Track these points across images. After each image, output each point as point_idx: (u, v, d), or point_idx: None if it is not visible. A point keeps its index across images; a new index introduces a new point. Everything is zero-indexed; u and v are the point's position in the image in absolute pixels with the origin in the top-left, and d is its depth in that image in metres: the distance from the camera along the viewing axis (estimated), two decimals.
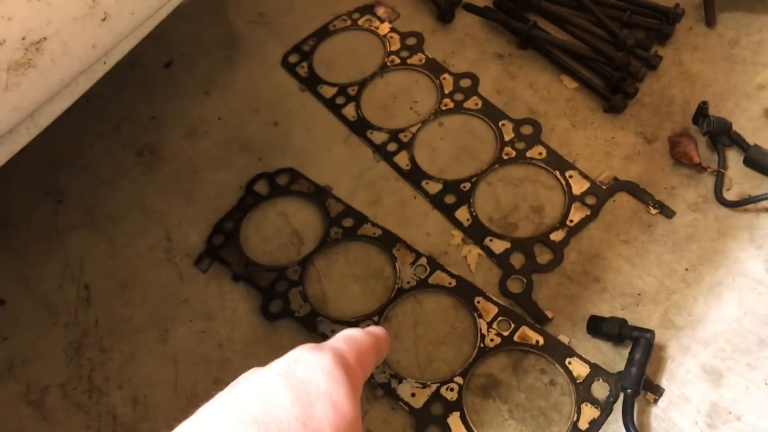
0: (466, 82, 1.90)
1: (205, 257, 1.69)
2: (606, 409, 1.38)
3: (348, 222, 1.70)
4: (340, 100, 1.92)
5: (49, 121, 1.25)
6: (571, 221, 1.62)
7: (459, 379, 1.45)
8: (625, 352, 1.41)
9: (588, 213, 1.63)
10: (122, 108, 2.02)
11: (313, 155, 1.83)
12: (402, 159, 1.79)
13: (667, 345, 1.44)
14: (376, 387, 1.46)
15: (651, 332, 1.40)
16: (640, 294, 1.51)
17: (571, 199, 1.66)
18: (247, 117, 1.94)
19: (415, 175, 1.76)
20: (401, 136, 1.83)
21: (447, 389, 1.44)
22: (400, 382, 1.46)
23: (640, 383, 1.35)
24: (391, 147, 1.81)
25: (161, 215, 1.79)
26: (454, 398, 1.43)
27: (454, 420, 1.40)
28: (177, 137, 1.93)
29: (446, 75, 1.92)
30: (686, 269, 1.53)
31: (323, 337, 1.53)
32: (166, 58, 2.10)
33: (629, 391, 1.34)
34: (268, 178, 1.80)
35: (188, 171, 1.86)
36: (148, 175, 1.87)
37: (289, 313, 1.58)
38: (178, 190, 1.83)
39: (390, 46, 2.00)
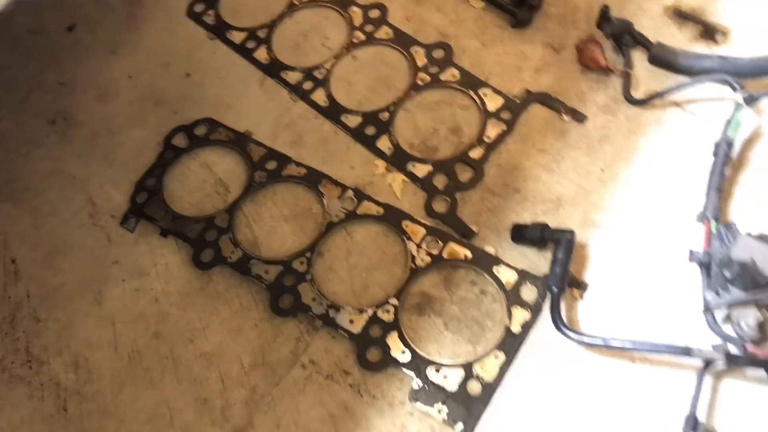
0: (375, 13, 1.89)
1: (131, 216, 1.67)
2: (536, 311, 1.43)
3: (271, 165, 1.70)
4: (250, 44, 1.89)
5: None
6: (489, 138, 1.65)
7: (394, 301, 1.48)
8: (550, 254, 1.46)
9: (504, 128, 1.66)
10: (29, 77, 1.95)
11: (229, 103, 1.81)
12: (319, 96, 1.78)
13: (589, 243, 1.49)
14: (315, 319, 1.48)
15: (571, 232, 1.45)
16: (559, 198, 1.55)
17: (486, 116, 1.68)
18: (158, 72, 1.90)
19: (334, 111, 1.76)
20: (316, 73, 1.82)
21: (383, 312, 1.47)
22: (338, 311, 1.48)
23: (564, 281, 1.40)
24: (307, 85, 1.80)
25: (82, 180, 1.75)
26: (391, 319, 1.46)
27: (392, 339, 1.44)
28: (89, 100, 1.88)
29: (354, 7, 1.91)
30: (601, 169, 1.57)
31: (258, 279, 1.54)
32: (68, 22, 2.03)
33: (555, 290, 1.40)
34: (185, 130, 1.78)
35: (104, 133, 1.83)
36: (64, 142, 1.83)
37: (222, 260, 1.58)
38: (97, 154, 1.79)
39: None
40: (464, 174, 1.62)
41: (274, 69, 1.84)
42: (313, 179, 1.66)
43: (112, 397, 1.46)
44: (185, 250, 1.61)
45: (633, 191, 1.54)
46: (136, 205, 1.68)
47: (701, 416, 1.27)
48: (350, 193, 1.63)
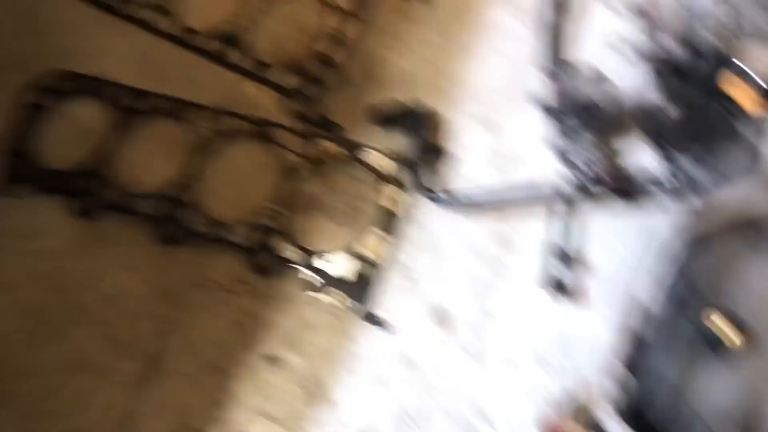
0: None
1: (6, 184, 1.66)
2: (407, 186, 1.51)
3: (135, 103, 1.69)
4: None
5: None
6: (345, 35, 1.68)
7: (277, 207, 1.53)
8: (412, 132, 1.53)
9: (357, 22, 1.69)
10: None
11: (80, 50, 1.77)
12: (168, 25, 1.77)
13: (445, 112, 1.57)
14: (204, 240, 1.52)
15: (428, 108, 1.52)
16: (414, 78, 1.61)
17: (339, 14, 1.70)
18: None
19: (187, 37, 1.75)
20: (162, 2, 1.79)
21: (268, 219, 1.53)
22: (225, 227, 1.53)
23: (427, 153, 1.48)
24: (155, 17, 1.78)
25: None
26: (276, 225, 1.52)
27: (280, 243, 1.50)
28: None
29: None
30: (450, 42, 1.63)
31: (142, 215, 1.57)
32: None
33: (419, 163, 1.48)
34: (41, 88, 1.74)
35: None
36: None
37: (103, 205, 1.59)
38: None
39: None
40: (326, 74, 1.65)
41: (118, 6, 1.80)
42: (178, 108, 1.67)
43: (27, 358, 1.50)
44: (68, 203, 1.62)
45: (482, 57, 1.61)
46: (8, 171, 1.67)
47: (568, 248, 1.39)
48: (217, 114, 1.65)
